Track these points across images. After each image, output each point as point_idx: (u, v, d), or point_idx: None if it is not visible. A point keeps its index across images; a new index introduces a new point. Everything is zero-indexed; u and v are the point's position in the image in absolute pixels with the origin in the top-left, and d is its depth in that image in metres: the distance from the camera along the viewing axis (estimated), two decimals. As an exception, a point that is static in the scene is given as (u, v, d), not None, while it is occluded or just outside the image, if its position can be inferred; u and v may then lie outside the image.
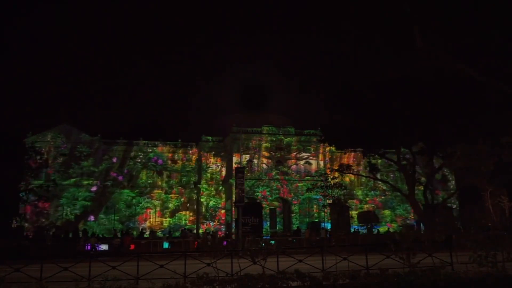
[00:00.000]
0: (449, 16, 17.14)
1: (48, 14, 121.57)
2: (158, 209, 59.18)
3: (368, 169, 45.42)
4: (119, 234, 40.60)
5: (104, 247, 34.29)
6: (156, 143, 61.24)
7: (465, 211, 53.40)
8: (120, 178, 59.47)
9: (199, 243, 35.43)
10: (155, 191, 59.77)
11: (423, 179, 49.20)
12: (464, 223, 50.49)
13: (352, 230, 45.02)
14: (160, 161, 60.74)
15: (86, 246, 33.55)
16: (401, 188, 48.67)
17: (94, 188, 57.70)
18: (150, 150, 60.67)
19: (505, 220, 36.69)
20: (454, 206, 55.53)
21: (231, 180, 50.35)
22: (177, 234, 46.03)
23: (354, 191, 62.36)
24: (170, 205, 59.85)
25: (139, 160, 60.15)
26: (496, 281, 11.01)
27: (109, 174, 58.94)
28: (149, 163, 60.26)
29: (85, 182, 56.63)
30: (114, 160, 59.58)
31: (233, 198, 42.72)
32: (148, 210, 59.15)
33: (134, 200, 58.59)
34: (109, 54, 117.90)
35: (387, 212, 62.27)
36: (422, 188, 44.61)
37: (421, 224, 43.06)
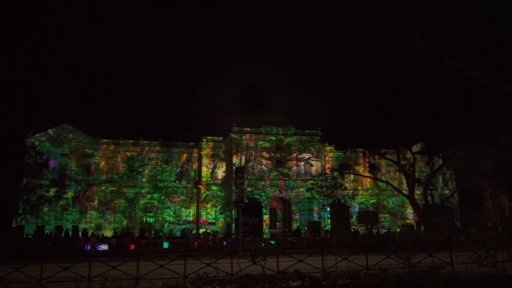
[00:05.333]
0: (449, 16, 17.14)
1: (49, 13, 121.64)
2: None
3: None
4: (119, 234, 40.64)
5: (104, 247, 34.28)
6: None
7: (465, 211, 53.42)
8: None
9: (199, 243, 35.47)
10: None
11: (423, 179, 49.06)
12: (464, 223, 50.51)
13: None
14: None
15: (86, 246, 33.56)
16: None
17: None
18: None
19: (505, 220, 36.76)
20: (454, 206, 55.40)
21: (231, 181, 50.28)
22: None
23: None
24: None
25: None
26: (496, 281, 11.01)
27: None
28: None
29: None
30: None
31: (233, 198, 42.70)
32: None
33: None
34: (109, 54, 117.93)
35: None
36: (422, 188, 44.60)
37: (421, 224, 43.03)
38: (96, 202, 53.47)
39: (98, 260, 15.15)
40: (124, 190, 55.29)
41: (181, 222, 54.69)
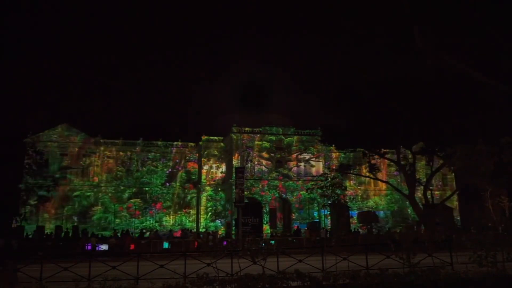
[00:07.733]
0: (449, 15, 17.15)
1: (48, 13, 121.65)
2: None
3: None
4: (119, 234, 40.58)
5: (104, 247, 34.26)
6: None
7: (465, 211, 53.43)
8: None
9: (199, 243, 35.45)
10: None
11: (423, 179, 49.05)
12: (464, 223, 50.56)
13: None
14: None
15: (86, 246, 33.54)
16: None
17: None
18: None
19: (505, 220, 36.85)
20: (454, 206, 55.38)
21: (231, 180, 50.24)
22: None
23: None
24: None
25: None
26: (496, 281, 11.01)
27: None
28: None
29: None
30: None
31: (233, 198, 42.68)
32: None
33: None
34: (109, 54, 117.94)
35: None
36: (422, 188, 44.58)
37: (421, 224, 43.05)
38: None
39: (98, 260, 15.15)
40: (119, 191, 54.85)
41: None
